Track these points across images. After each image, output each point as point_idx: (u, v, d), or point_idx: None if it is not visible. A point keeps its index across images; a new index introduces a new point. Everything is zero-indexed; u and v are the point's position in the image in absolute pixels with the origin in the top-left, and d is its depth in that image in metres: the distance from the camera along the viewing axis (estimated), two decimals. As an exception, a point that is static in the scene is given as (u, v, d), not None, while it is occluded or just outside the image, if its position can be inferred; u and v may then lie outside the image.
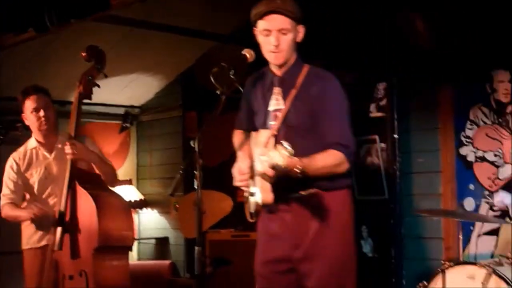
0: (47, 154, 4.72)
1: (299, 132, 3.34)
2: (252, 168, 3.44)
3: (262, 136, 3.43)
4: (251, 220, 3.56)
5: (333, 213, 3.37)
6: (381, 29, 5.61)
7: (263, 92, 3.55)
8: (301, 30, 3.43)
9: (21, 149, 4.75)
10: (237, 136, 3.74)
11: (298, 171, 3.07)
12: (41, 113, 4.63)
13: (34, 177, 4.70)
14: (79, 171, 4.43)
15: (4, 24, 4.78)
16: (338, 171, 3.33)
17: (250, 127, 3.64)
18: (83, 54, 4.49)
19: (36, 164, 4.71)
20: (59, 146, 4.69)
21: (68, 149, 4.33)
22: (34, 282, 4.61)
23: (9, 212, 4.61)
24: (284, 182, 3.25)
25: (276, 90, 3.48)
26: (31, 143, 4.76)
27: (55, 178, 4.67)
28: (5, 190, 4.67)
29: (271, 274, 3.49)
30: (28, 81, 5.63)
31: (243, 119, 3.72)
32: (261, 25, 3.38)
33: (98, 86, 4.56)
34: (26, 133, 5.17)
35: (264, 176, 3.13)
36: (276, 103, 3.47)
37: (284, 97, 3.44)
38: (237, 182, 3.45)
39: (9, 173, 4.69)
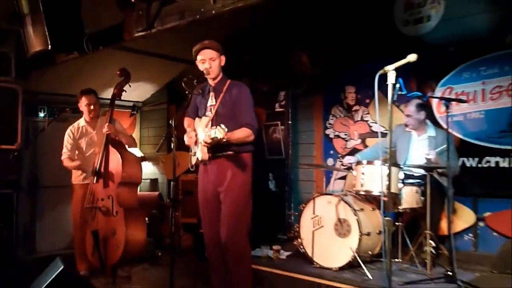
0: (91, 130, 4.58)
1: (225, 118, 3.28)
2: (196, 136, 3.40)
3: (204, 120, 3.39)
4: (191, 169, 3.50)
5: (240, 166, 3.34)
6: (282, 62, 5.52)
7: (204, 95, 3.51)
8: (223, 58, 3.44)
9: (75, 125, 4.60)
10: (186, 121, 3.64)
11: (225, 139, 3.02)
12: (91, 107, 4.52)
13: (83, 143, 4.55)
14: (111, 139, 4.31)
15: (59, 48, 4.50)
16: (248, 140, 3.32)
17: (194, 116, 3.58)
18: (118, 72, 4.40)
19: (85, 135, 4.57)
20: (99, 125, 4.56)
21: (106, 129, 4.24)
22: (78, 205, 4.47)
23: (67, 163, 4.50)
24: (214, 147, 3.24)
25: (211, 94, 3.46)
26: (82, 122, 4.61)
27: (95, 143, 4.53)
28: (64, 149, 4.53)
29: (205, 202, 3.44)
30: (74, 84, 5.47)
31: (191, 111, 3.64)
32: (199, 57, 3.41)
33: (125, 91, 4.46)
34: (72, 115, 4.93)
35: (205, 143, 3.11)
36: (211, 101, 3.45)
37: (216, 97, 3.42)
38: (186, 143, 3.42)
39: (67, 139, 4.54)
